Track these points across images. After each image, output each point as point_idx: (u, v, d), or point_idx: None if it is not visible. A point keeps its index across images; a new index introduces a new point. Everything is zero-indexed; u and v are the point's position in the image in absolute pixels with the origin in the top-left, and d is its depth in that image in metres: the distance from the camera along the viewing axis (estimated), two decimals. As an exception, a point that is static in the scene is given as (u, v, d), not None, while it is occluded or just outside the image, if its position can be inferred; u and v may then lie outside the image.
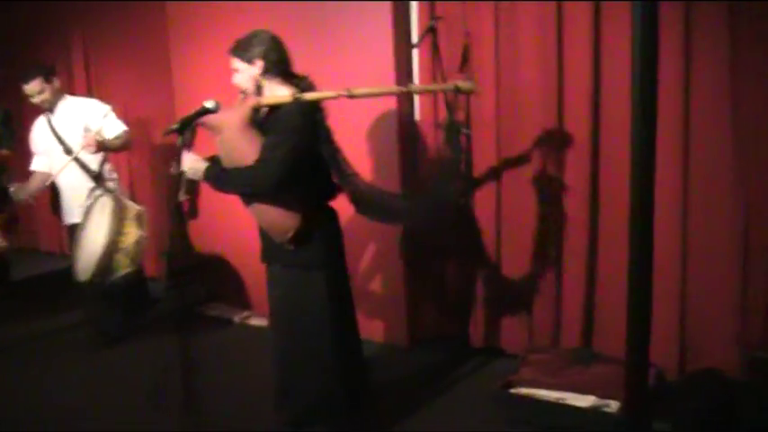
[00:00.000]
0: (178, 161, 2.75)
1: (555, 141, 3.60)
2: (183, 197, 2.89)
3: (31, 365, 4.30)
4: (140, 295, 4.87)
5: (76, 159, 4.28)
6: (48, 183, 4.45)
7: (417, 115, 4.10)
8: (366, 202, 2.97)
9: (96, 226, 4.01)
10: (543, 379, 3.32)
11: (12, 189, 4.49)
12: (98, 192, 4.23)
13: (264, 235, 2.99)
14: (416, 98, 4.08)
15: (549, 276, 3.74)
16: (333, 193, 2.98)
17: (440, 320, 4.22)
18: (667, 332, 3.38)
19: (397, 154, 4.03)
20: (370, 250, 4.28)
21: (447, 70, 3.72)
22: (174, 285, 2.52)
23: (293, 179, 2.73)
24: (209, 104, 2.57)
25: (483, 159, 3.85)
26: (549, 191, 3.66)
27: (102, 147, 4.21)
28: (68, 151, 4.30)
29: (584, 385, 3.22)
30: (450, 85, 3.07)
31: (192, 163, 2.81)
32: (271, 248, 2.97)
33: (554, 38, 3.52)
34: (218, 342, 4.49)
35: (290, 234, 2.82)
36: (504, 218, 3.86)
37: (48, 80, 4.30)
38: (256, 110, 2.83)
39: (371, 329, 4.26)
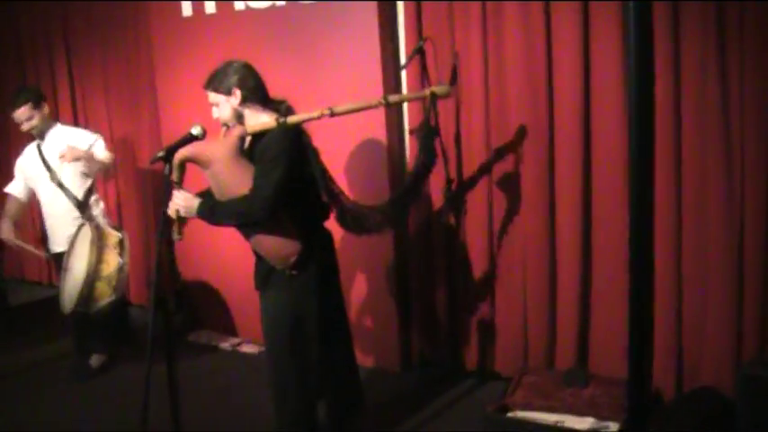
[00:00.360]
0: (168, 203, 2.75)
1: (546, 156, 3.59)
2: (177, 237, 2.87)
3: (15, 397, 4.24)
4: (122, 324, 4.81)
5: (62, 188, 4.25)
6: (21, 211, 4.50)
7: (407, 127, 4.09)
8: (351, 218, 2.99)
9: (79, 255, 3.97)
10: (538, 401, 3.29)
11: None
12: (80, 220, 4.20)
13: (259, 263, 3.00)
14: (406, 111, 4.07)
15: (542, 296, 3.71)
16: (325, 213, 3.00)
17: (432, 344, 4.18)
18: (663, 352, 3.37)
19: (386, 168, 4.02)
20: (361, 273, 4.25)
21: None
22: (160, 313, 2.47)
23: (287, 203, 2.75)
24: (195, 131, 2.55)
25: (473, 176, 3.83)
26: (541, 207, 3.64)
27: (77, 157, 4.12)
28: (55, 180, 4.26)
29: (582, 407, 3.21)
30: (425, 91, 3.12)
31: (185, 201, 2.80)
32: (265, 275, 2.97)
33: (543, 48, 3.51)
34: (206, 369, 4.45)
35: (293, 259, 2.84)
36: (496, 237, 3.84)
37: (37, 106, 4.25)
38: (243, 139, 2.85)
39: (362, 354, 4.21)
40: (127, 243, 4.08)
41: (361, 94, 3.91)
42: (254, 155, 2.80)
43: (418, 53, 3.63)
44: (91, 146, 4.29)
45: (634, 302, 1.65)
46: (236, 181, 2.74)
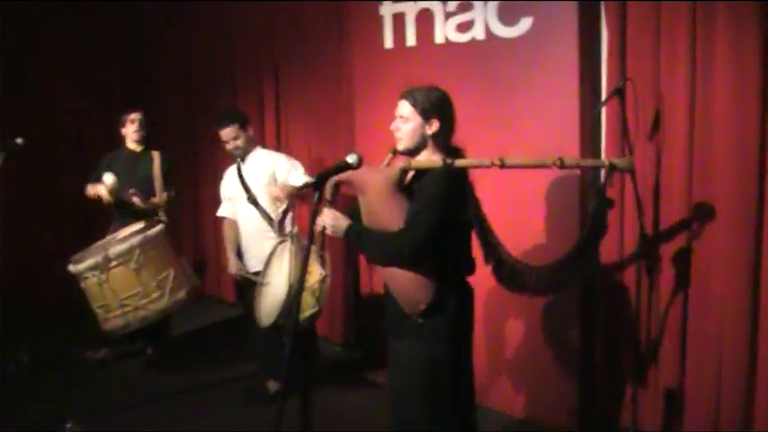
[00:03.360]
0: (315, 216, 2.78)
1: (753, 214, 3.50)
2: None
3: (189, 418, 4.64)
4: (309, 352, 5.04)
5: (259, 208, 4.72)
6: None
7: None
8: (507, 272, 3.05)
9: (278, 269, 4.25)
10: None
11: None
12: (276, 239, 4.55)
13: (389, 301, 3.01)
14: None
15: (740, 367, 3.58)
16: (471, 268, 3.02)
17: (613, 405, 4.15)
18: None
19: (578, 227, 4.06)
20: (545, 323, 4.30)
21: (635, 135, 3.76)
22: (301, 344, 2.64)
23: (435, 249, 2.77)
24: (350, 159, 2.64)
25: (671, 231, 3.81)
26: (744, 268, 3.53)
27: (290, 194, 4.60)
28: (252, 200, 4.75)
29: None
30: (604, 161, 3.12)
31: (334, 220, 2.90)
32: (396, 320, 2.99)
33: (756, 110, 3.43)
34: (363, 408, 4.71)
35: (423, 306, 2.84)
36: (692, 297, 3.78)
37: (242, 128, 4.78)
38: (405, 172, 2.92)
39: (538, 408, 4.33)
40: (327, 257, 4.32)
41: (554, 136, 4.05)
42: (413, 191, 2.85)
43: (617, 94, 3.69)
44: (294, 169, 4.79)
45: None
46: (388, 215, 2.80)
